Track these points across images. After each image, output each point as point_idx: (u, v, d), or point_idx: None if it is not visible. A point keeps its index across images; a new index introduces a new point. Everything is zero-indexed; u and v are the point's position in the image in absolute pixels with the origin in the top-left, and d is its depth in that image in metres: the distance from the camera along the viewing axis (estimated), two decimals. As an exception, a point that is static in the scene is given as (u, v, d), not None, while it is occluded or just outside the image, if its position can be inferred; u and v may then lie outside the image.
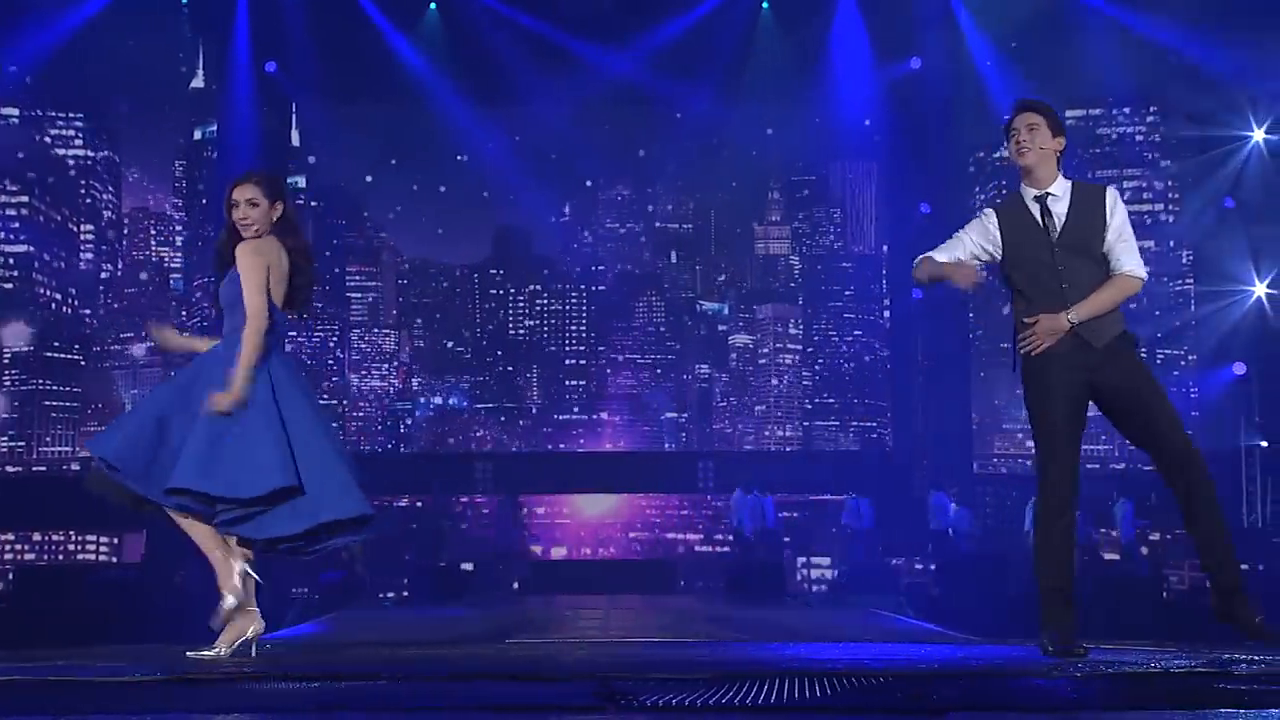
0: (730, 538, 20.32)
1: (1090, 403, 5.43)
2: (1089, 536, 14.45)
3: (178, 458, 5.25)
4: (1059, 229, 5.36)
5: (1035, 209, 5.40)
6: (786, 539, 17.72)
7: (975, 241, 5.48)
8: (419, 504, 18.60)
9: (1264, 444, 15.21)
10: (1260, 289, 14.90)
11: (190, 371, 5.51)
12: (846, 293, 20.56)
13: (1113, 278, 5.34)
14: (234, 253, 5.51)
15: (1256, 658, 5.08)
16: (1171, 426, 5.35)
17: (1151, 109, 16.80)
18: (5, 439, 18.59)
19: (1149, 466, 5.62)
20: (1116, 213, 5.41)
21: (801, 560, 17.26)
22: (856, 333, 20.39)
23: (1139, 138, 23.23)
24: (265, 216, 5.53)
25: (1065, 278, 5.29)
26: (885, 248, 19.79)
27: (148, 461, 5.30)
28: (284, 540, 5.38)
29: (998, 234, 5.43)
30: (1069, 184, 5.47)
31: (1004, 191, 20.04)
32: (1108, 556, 16.03)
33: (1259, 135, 14.90)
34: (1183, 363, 17.52)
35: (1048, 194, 5.40)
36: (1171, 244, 18.35)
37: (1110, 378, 5.38)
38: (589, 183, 21.17)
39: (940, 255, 5.51)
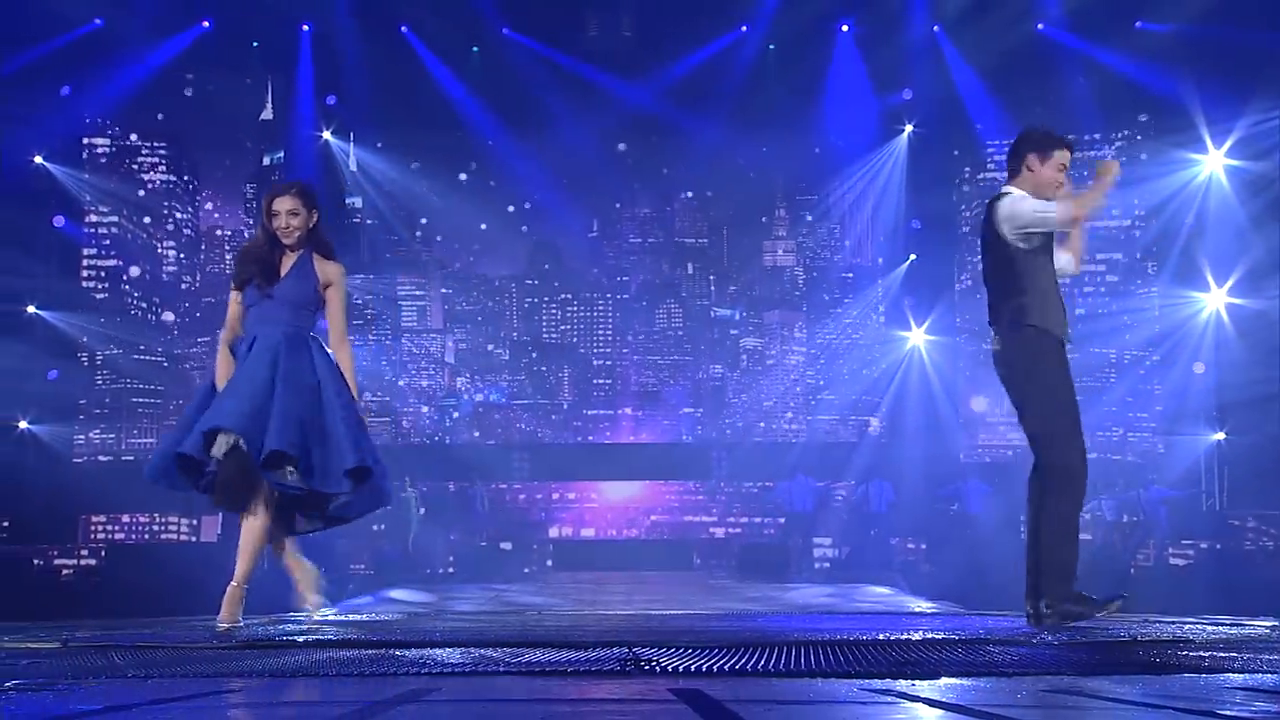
0: (749, 520, 20.31)
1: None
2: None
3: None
4: None
5: None
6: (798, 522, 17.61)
7: None
8: (464, 489, 18.63)
9: (1221, 435, 15.11)
10: (1217, 298, 14.80)
11: (257, 363, 5.31)
12: (846, 300, 20.45)
13: None
14: (298, 265, 5.36)
15: (1213, 628, 5.04)
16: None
17: (1120, 133, 16.61)
18: (98, 431, 18.68)
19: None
20: None
21: (801, 540, 17.16)
22: (855, 336, 20.27)
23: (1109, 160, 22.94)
24: (304, 225, 5.35)
25: None
26: (880, 260, 19.69)
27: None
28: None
29: None
30: None
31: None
32: (1083, 536, 15.83)
33: (1217, 159, 14.80)
34: (1148, 362, 17.38)
35: None
36: (1139, 256, 18.19)
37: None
38: (616, 204, 21.10)
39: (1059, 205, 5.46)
